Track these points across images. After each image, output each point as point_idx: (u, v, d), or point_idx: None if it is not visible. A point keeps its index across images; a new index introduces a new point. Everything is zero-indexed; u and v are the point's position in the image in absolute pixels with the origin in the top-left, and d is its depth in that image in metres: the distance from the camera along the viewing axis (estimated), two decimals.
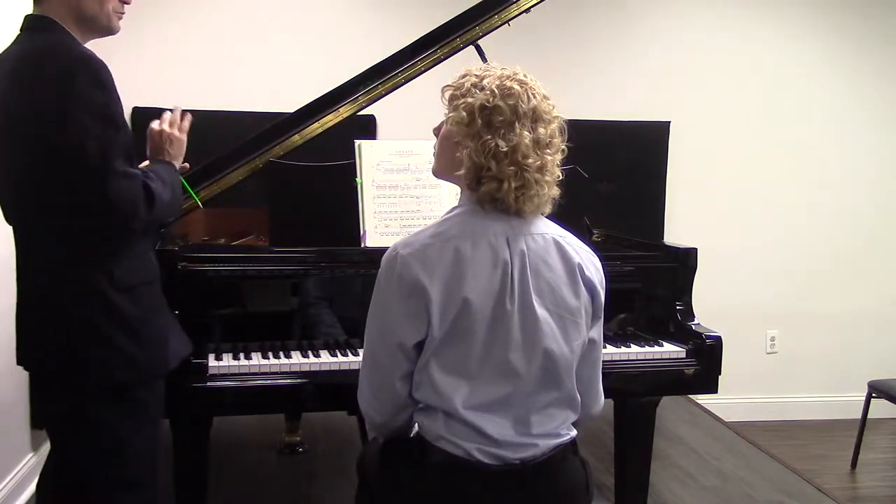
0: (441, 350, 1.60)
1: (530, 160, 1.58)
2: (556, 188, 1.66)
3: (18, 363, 1.82)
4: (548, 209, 1.68)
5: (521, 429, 1.64)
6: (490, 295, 1.58)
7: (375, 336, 1.66)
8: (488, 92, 1.59)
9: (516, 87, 1.59)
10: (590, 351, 1.73)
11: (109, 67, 1.73)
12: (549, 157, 1.62)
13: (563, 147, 1.66)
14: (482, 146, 1.58)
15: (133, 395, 1.78)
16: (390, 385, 1.66)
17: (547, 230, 1.67)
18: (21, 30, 1.76)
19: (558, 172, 1.65)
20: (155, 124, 1.95)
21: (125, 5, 1.83)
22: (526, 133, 1.58)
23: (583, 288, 1.66)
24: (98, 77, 1.66)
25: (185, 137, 1.97)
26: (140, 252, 1.80)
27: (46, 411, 1.84)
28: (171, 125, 1.95)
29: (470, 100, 1.60)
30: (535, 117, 1.60)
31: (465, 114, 1.60)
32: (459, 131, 1.61)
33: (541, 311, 1.61)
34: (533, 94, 1.61)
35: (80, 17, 1.75)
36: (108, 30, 1.81)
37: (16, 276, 1.81)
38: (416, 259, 1.58)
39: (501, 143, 1.57)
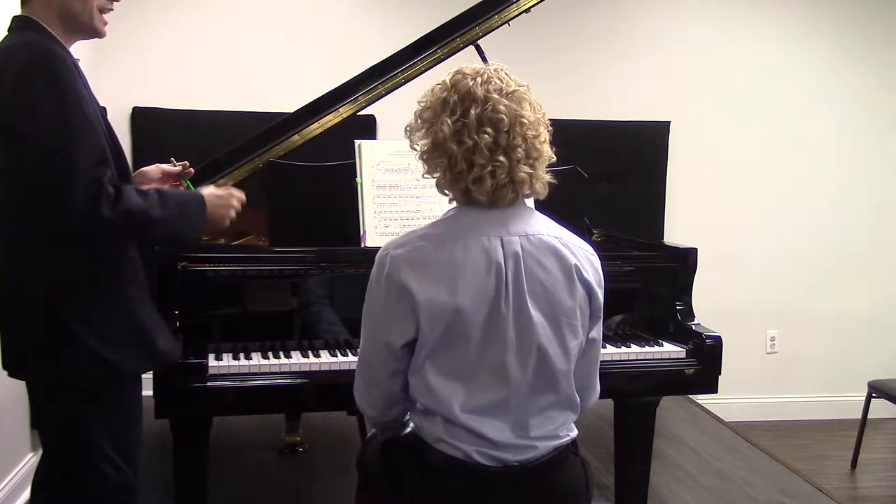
0: (436, 354, 1.59)
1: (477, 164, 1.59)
2: (540, 179, 1.63)
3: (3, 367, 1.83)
4: (538, 194, 1.66)
5: (519, 432, 1.64)
6: (485, 298, 1.58)
7: (367, 334, 1.67)
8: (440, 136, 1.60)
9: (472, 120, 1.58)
10: (589, 349, 1.73)
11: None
12: (503, 160, 1.58)
13: (524, 145, 1.61)
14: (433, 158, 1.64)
15: (108, 397, 1.80)
16: (380, 381, 1.67)
17: (543, 230, 1.65)
18: (7, 31, 1.77)
19: (526, 168, 1.61)
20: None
21: (114, 2, 1.82)
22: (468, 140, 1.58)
23: (579, 289, 1.64)
24: (54, 69, 1.65)
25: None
26: (110, 252, 1.78)
27: (33, 412, 1.87)
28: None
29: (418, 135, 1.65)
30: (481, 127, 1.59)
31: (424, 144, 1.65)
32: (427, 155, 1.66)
33: (535, 314, 1.60)
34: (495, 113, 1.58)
35: (64, 16, 1.75)
36: (92, 30, 1.80)
37: None
38: (405, 261, 1.58)
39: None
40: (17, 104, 1.64)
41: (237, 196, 2.03)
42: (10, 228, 1.75)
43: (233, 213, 2.01)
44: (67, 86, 1.66)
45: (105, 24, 1.83)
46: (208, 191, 1.96)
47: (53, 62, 1.66)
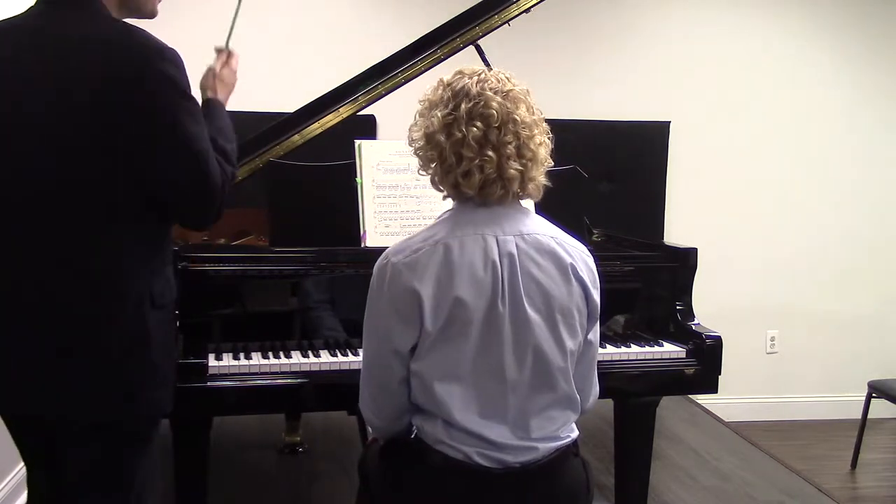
0: (435, 354, 1.59)
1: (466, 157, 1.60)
2: (533, 180, 1.64)
3: (20, 409, 1.60)
4: (531, 195, 1.67)
5: (520, 433, 1.64)
6: (482, 296, 1.58)
7: (371, 343, 1.67)
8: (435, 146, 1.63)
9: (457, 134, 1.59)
10: (586, 351, 1.73)
11: None
12: (491, 154, 1.59)
13: (514, 143, 1.62)
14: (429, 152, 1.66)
15: (153, 439, 1.66)
16: (389, 390, 1.66)
17: (539, 230, 1.66)
18: (50, 4, 1.59)
19: (516, 166, 1.61)
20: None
21: None
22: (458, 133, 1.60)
23: (576, 288, 1.65)
24: (176, 62, 1.58)
25: (234, 76, 2.02)
26: (170, 263, 1.68)
27: (46, 457, 1.64)
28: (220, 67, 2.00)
29: (418, 135, 1.67)
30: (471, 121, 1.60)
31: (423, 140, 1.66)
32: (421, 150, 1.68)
33: (532, 313, 1.60)
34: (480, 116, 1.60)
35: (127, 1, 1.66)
36: (151, 13, 1.74)
37: (12, 291, 1.56)
38: (406, 266, 1.59)
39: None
40: (151, 101, 1.51)
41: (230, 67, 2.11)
42: (74, 233, 1.53)
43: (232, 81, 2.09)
44: (188, 81, 1.62)
45: (160, 1, 1.77)
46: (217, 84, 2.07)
47: (179, 58, 1.60)
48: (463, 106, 1.59)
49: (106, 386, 1.55)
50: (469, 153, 1.59)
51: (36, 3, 1.61)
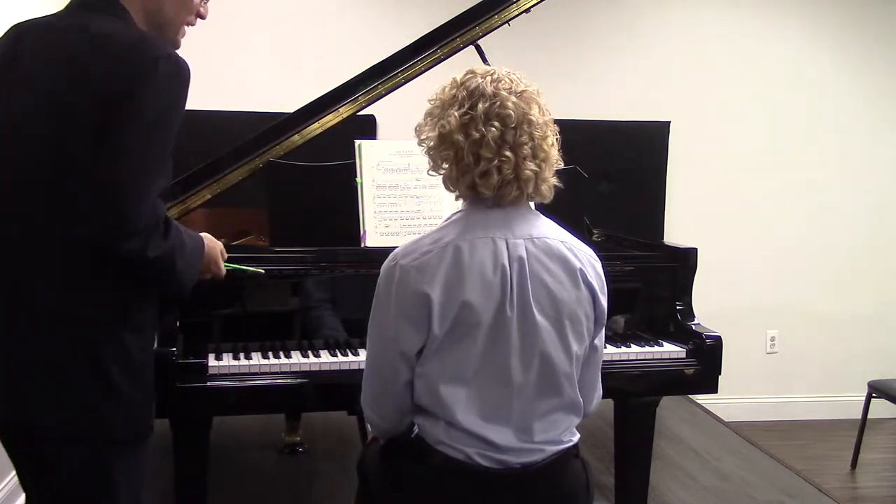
0: (441, 356, 1.59)
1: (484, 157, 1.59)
2: (546, 181, 1.63)
3: (18, 414, 1.57)
4: (544, 196, 1.66)
5: (523, 436, 1.63)
6: (491, 299, 1.58)
7: (377, 345, 1.66)
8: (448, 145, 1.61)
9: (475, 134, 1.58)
10: (591, 355, 1.73)
11: None
12: (508, 154, 1.58)
13: (530, 144, 1.61)
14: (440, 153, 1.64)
15: (140, 450, 1.66)
16: (393, 392, 1.66)
17: (549, 233, 1.65)
18: (81, 6, 1.62)
19: (532, 166, 1.61)
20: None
21: (198, 18, 1.76)
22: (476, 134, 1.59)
23: (584, 293, 1.64)
24: (185, 79, 1.56)
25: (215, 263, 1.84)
26: (152, 288, 1.64)
27: (34, 470, 1.62)
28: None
29: (431, 134, 1.65)
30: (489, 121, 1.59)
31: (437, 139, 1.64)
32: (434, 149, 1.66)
33: (540, 318, 1.60)
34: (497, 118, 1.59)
35: (152, 20, 1.66)
36: (173, 43, 1.71)
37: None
38: (415, 269, 1.58)
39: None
40: (134, 91, 1.47)
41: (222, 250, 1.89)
42: (54, 245, 1.52)
43: (221, 267, 1.86)
44: (183, 101, 1.56)
45: (183, 36, 1.76)
46: (206, 237, 1.79)
47: (187, 73, 1.56)
48: (480, 106, 1.59)
49: (98, 390, 1.54)
50: (488, 153, 1.58)
51: (68, 5, 1.64)
